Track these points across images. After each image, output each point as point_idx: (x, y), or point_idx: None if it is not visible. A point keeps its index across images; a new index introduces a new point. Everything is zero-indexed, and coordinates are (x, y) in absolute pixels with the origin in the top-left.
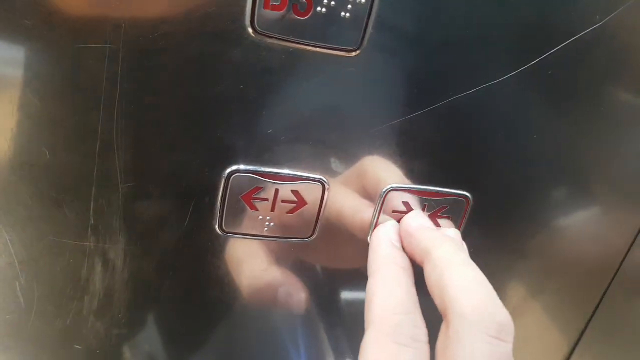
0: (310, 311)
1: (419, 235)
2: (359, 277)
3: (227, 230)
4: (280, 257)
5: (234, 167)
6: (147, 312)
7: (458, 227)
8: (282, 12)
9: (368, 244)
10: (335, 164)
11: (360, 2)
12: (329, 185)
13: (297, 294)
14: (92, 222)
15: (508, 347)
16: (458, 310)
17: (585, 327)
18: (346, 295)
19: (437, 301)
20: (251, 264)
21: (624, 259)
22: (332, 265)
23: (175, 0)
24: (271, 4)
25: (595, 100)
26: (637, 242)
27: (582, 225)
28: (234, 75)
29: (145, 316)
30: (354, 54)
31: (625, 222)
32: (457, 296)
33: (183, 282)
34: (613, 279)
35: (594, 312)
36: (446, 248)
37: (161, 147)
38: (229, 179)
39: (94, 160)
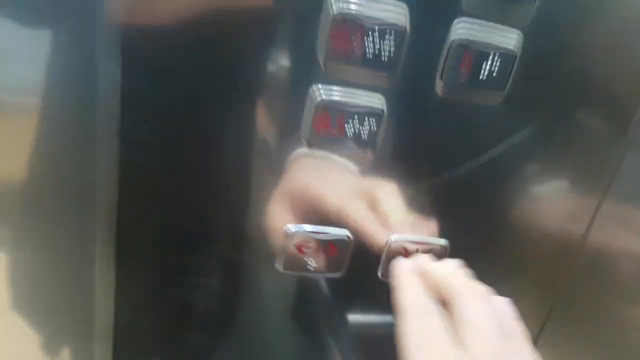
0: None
1: (441, 279)
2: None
3: (284, 269)
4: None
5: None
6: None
7: None
8: (327, 134)
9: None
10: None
11: (373, 130)
12: (353, 238)
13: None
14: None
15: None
16: (456, 291)
17: (545, 320)
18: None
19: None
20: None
21: (579, 250)
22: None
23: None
24: (321, 129)
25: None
26: (587, 238)
27: (541, 220)
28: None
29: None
30: (370, 154)
31: (577, 218)
32: (454, 285)
33: (257, 314)
34: (571, 269)
35: (552, 306)
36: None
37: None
38: (286, 232)
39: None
